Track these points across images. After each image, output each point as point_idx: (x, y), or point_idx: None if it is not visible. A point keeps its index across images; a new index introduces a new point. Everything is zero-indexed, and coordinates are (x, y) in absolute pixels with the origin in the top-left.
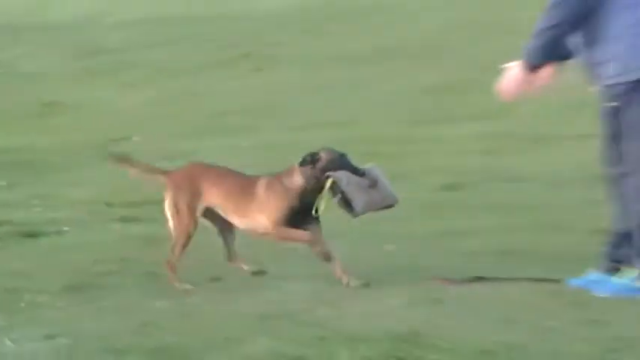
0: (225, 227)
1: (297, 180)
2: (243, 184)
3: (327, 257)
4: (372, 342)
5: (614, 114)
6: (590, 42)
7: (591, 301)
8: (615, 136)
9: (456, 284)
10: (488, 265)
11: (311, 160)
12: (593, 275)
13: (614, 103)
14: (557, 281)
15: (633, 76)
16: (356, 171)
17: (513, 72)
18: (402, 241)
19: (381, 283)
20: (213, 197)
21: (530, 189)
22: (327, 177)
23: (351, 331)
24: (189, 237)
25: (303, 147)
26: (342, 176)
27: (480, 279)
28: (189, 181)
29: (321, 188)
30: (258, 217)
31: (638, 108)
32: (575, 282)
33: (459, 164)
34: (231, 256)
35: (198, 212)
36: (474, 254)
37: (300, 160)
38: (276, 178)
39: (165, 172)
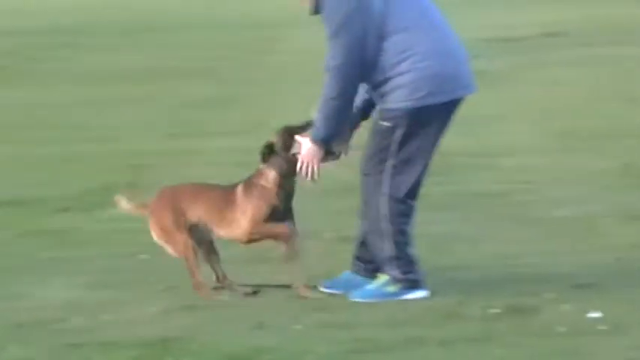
0: (209, 249)
1: (270, 175)
2: (222, 195)
3: (293, 257)
4: (125, 348)
5: (386, 133)
6: (376, 84)
7: (335, 305)
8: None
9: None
10: (238, 272)
11: (268, 150)
12: (347, 278)
13: (388, 124)
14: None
15: (413, 104)
16: (308, 125)
17: (308, 147)
18: (159, 251)
19: (137, 292)
20: (198, 213)
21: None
22: (295, 155)
23: (104, 338)
24: (192, 250)
25: (65, 160)
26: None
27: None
28: (168, 203)
29: (294, 170)
30: (242, 222)
31: (406, 130)
32: (329, 285)
33: (214, 177)
34: (220, 277)
35: (186, 229)
36: (226, 262)
37: (260, 157)
38: (252, 181)
39: (145, 205)
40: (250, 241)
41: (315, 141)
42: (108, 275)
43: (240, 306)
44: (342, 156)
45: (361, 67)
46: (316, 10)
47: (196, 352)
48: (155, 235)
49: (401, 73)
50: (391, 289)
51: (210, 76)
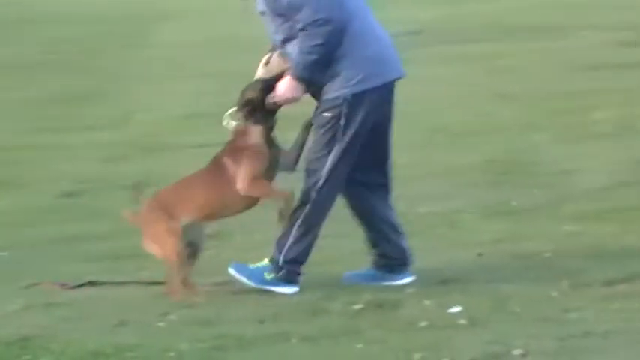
0: (192, 252)
1: (256, 131)
2: (210, 177)
3: (285, 217)
4: None
5: (329, 124)
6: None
7: (200, 302)
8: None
9: (70, 288)
10: (104, 269)
11: (248, 106)
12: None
13: (329, 114)
14: (164, 283)
15: (351, 90)
16: (279, 76)
17: (288, 83)
18: (20, 247)
19: None
20: (194, 207)
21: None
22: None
23: None
24: (179, 255)
25: None
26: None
27: (93, 283)
28: (157, 209)
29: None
30: (242, 187)
31: (347, 117)
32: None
33: (79, 172)
34: (186, 280)
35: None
36: (91, 259)
37: (242, 114)
38: (235, 146)
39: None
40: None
41: (295, 77)
42: None
43: (104, 303)
44: None
45: (340, 24)
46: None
47: (57, 350)
48: (145, 244)
49: (335, 60)
50: (268, 276)
51: (77, 69)
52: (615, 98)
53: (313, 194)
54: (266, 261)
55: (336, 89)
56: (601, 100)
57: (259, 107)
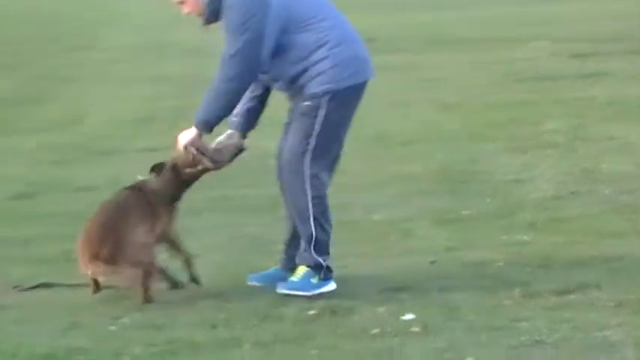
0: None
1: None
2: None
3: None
4: None
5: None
6: (293, 77)
7: (151, 306)
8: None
9: (24, 290)
10: (54, 271)
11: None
12: (274, 272)
13: (310, 103)
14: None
15: (336, 86)
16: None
17: (188, 135)
18: None
19: None
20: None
21: (95, 198)
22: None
23: None
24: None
25: None
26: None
27: (47, 285)
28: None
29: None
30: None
31: (327, 111)
32: (255, 278)
33: (29, 174)
34: None
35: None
36: (40, 261)
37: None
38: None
39: None
40: None
41: (196, 123)
42: None
43: (55, 306)
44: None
45: (257, 60)
46: (209, 19)
47: (8, 352)
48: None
49: (318, 61)
50: (314, 280)
51: (24, 71)
52: (565, 109)
53: (307, 189)
54: (299, 269)
55: (319, 85)
56: (550, 111)
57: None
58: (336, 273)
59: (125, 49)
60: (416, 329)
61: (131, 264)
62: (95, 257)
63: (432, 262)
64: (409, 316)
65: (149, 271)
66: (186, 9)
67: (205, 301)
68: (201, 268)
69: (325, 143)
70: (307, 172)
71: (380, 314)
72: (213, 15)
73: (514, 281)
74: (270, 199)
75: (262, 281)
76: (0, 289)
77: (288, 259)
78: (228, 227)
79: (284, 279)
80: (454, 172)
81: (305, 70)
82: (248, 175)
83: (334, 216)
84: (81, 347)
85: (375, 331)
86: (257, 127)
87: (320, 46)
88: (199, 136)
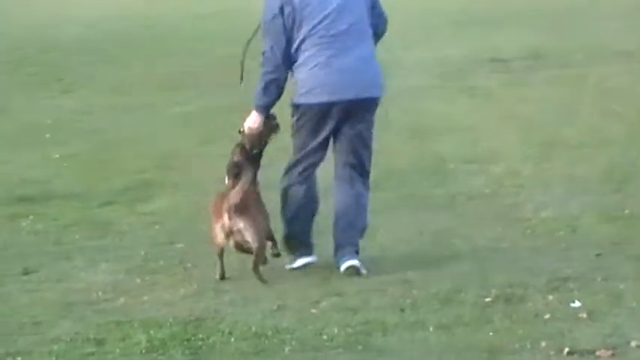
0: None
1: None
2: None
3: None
4: (164, 327)
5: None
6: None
7: (347, 290)
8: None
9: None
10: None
11: (231, 166)
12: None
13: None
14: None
15: (297, 100)
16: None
17: (250, 116)
18: (193, 241)
19: (173, 276)
20: None
21: None
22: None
23: (145, 317)
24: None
25: (109, 159)
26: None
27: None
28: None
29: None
30: None
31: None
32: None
33: None
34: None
35: None
36: None
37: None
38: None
39: None
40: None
41: (255, 108)
42: (147, 261)
43: (264, 290)
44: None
45: (281, 59)
46: None
47: (225, 331)
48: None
49: (298, 74)
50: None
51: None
52: None
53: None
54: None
55: (294, 96)
56: None
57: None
58: (509, 264)
59: None
60: (583, 315)
61: None
62: None
63: (598, 255)
64: (577, 304)
65: None
66: None
67: (394, 287)
68: (392, 259)
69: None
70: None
71: (550, 301)
72: None
73: None
74: (448, 197)
75: None
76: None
77: None
78: (414, 223)
79: None
80: (618, 174)
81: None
82: (430, 177)
83: (508, 214)
84: (286, 327)
85: (547, 316)
86: (435, 134)
87: (303, 64)
88: (260, 117)
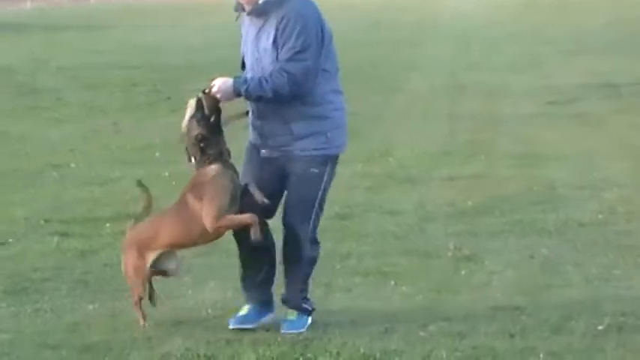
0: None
1: (212, 166)
2: (177, 214)
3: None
4: (272, 345)
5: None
6: (289, 118)
7: (454, 315)
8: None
9: None
10: (367, 282)
11: (193, 141)
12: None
13: (316, 170)
14: None
15: (333, 152)
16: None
17: (226, 83)
18: None
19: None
20: (163, 241)
21: (403, 220)
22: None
23: (254, 335)
24: (141, 289)
25: None
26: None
27: None
28: (131, 244)
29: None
30: (207, 222)
31: (327, 177)
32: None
33: (348, 198)
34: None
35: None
36: (355, 274)
37: (189, 152)
38: (195, 180)
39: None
40: (218, 234)
41: (235, 85)
42: None
43: (371, 313)
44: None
45: (306, 87)
46: (254, 13)
47: (333, 351)
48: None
49: (324, 116)
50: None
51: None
52: None
53: None
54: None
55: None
56: None
57: (209, 140)
58: (621, 292)
59: (425, 90)
60: None
61: None
62: None
63: None
64: None
65: None
66: None
67: (503, 312)
68: (500, 284)
69: None
70: None
71: None
72: (260, 13)
73: None
74: (559, 224)
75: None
76: (325, 293)
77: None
78: (523, 248)
79: None
80: None
81: (304, 125)
82: (540, 203)
83: (620, 241)
84: (395, 349)
85: None
86: (545, 160)
87: (329, 102)
88: (234, 97)
